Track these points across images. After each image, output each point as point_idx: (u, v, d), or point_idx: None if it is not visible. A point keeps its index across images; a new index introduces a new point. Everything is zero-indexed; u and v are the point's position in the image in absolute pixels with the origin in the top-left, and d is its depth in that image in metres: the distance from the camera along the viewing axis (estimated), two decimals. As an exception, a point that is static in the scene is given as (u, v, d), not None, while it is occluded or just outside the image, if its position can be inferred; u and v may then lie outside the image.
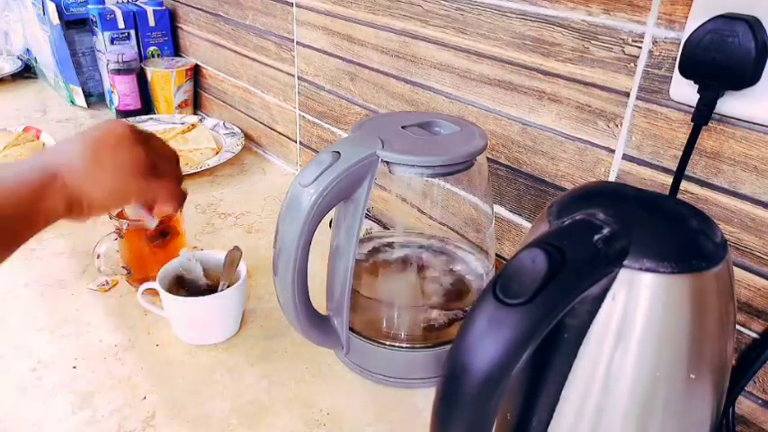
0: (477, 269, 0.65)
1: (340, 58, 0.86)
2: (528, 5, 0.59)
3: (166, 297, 0.61)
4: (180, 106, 1.26)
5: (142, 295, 0.65)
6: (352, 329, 0.59)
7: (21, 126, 1.12)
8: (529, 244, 0.33)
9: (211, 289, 0.64)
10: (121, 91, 1.24)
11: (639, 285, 0.33)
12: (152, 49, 1.29)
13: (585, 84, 0.56)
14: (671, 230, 0.35)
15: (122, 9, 1.23)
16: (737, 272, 0.50)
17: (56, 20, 1.23)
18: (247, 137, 1.14)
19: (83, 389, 0.58)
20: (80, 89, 1.30)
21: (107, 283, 0.72)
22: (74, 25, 1.27)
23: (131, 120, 1.18)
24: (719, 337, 0.35)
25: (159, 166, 0.52)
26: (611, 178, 0.57)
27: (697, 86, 0.47)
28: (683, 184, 0.51)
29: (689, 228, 0.35)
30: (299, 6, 0.91)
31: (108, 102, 1.31)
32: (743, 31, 0.42)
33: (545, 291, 0.31)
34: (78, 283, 0.73)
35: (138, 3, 1.31)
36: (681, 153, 0.49)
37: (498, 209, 0.70)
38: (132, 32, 1.25)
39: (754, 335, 0.50)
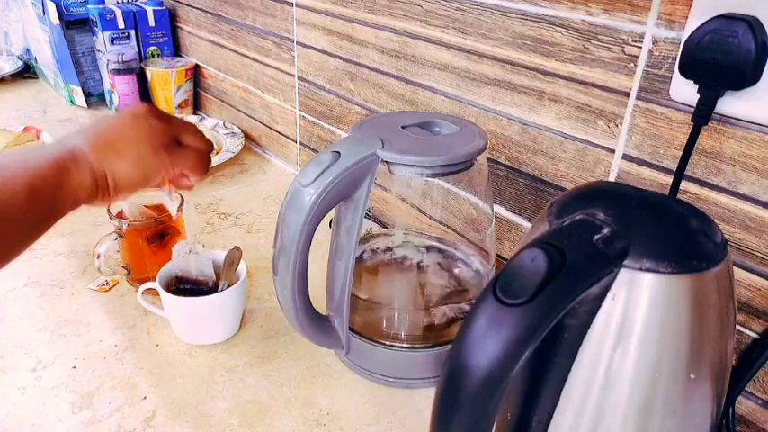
0: (477, 269, 0.65)
1: (340, 58, 0.86)
2: (528, 5, 0.59)
3: (166, 297, 0.61)
4: (180, 106, 1.26)
5: (142, 295, 0.65)
6: (352, 329, 0.59)
7: (21, 126, 1.12)
8: (529, 244, 0.33)
9: (211, 289, 0.64)
10: (121, 91, 1.24)
11: (639, 285, 0.33)
12: (152, 49, 1.29)
13: (585, 84, 0.56)
14: (671, 230, 0.35)
15: (122, 9, 1.23)
16: (737, 272, 0.50)
17: (56, 20, 1.23)
18: (247, 137, 1.14)
19: (83, 389, 0.58)
20: (80, 89, 1.30)
21: (107, 283, 0.72)
22: (74, 25, 1.27)
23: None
24: (719, 337, 0.35)
25: (181, 138, 0.52)
26: (611, 178, 0.57)
27: (697, 86, 0.47)
28: (683, 184, 0.51)
29: (689, 228, 0.35)
30: (299, 6, 0.91)
31: (108, 102, 1.32)
32: (743, 31, 0.42)
33: (545, 291, 0.31)
34: (78, 283, 0.73)
35: (138, 3, 1.31)
36: (681, 153, 0.49)
37: (498, 209, 0.70)
38: (132, 32, 1.26)
39: (754, 335, 0.50)
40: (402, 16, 0.73)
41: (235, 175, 1.04)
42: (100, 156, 0.47)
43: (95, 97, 1.35)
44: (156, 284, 0.62)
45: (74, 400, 0.56)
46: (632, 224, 0.34)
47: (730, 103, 0.46)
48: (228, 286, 0.63)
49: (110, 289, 0.72)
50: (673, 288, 0.33)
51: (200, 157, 0.54)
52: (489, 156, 0.68)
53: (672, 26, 0.49)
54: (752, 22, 0.42)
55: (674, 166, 0.51)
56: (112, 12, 1.22)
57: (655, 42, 0.50)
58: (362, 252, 0.65)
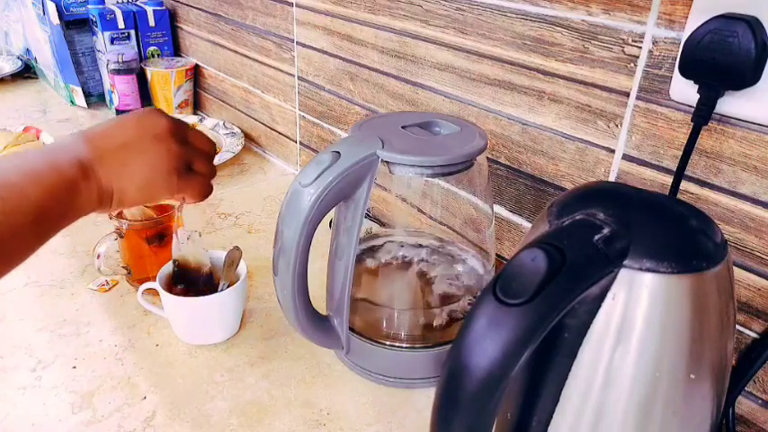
0: (477, 269, 0.65)
1: (340, 58, 0.86)
2: (528, 5, 0.59)
3: (166, 297, 0.61)
4: (180, 106, 1.26)
5: (142, 295, 0.65)
6: (352, 329, 0.59)
7: (21, 126, 1.12)
8: (529, 244, 0.33)
9: (211, 289, 0.64)
10: (121, 91, 1.24)
11: (639, 285, 0.33)
12: (152, 49, 1.29)
13: (585, 84, 0.56)
14: (671, 230, 0.35)
15: (122, 9, 1.23)
16: (737, 272, 0.50)
17: (56, 20, 1.23)
18: (247, 137, 1.14)
19: (83, 389, 0.58)
20: (80, 89, 1.30)
21: (107, 283, 0.72)
22: (74, 25, 1.27)
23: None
24: (719, 337, 0.35)
25: (194, 165, 0.52)
26: (611, 178, 0.57)
27: (697, 86, 0.47)
28: (683, 184, 0.51)
29: (689, 228, 0.35)
30: (299, 6, 0.91)
31: (108, 102, 1.32)
32: (743, 31, 0.42)
33: (545, 291, 0.31)
34: (78, 283, 0.73)
35: (138, 3, 1.31)
36: (681, 153, 0.49)
37: (498, 209, 0.70)
38: (132, 32, 1.26)
39: (754, 335, 0.50)
40: (402, 16, 0.73)
41: (235, 175, 1.04)
42: (110, 172, 0.46)
43: (95, 97, 1.35)
44: (155, 284, 0.62)
45: (74, 400, 0.56)
46: (632, 224, 0.34)
47: (730, 103, 0.46)
48: (228, 286, 0.63)
49: (110, 289, 0.72)
50: (673, 288, 0.33)
51: (205, 184, 0.53)
52: (489, 156, 0.68)
53: (672, 26, 0.49)
54: (752, 22, 0.42)
55: (674, 166, 0.51)
56: (112, 12, 1.22)
57: (655, 42, 0.50)
58: (362, 252, 0.65)
